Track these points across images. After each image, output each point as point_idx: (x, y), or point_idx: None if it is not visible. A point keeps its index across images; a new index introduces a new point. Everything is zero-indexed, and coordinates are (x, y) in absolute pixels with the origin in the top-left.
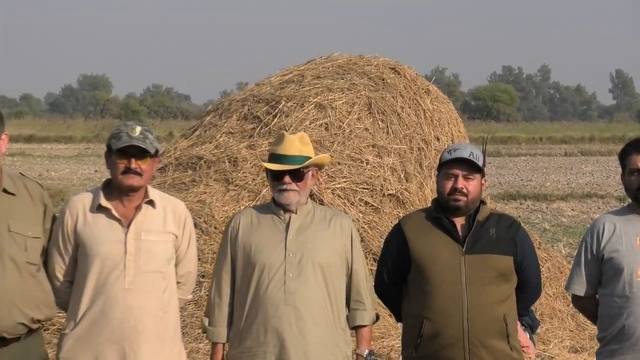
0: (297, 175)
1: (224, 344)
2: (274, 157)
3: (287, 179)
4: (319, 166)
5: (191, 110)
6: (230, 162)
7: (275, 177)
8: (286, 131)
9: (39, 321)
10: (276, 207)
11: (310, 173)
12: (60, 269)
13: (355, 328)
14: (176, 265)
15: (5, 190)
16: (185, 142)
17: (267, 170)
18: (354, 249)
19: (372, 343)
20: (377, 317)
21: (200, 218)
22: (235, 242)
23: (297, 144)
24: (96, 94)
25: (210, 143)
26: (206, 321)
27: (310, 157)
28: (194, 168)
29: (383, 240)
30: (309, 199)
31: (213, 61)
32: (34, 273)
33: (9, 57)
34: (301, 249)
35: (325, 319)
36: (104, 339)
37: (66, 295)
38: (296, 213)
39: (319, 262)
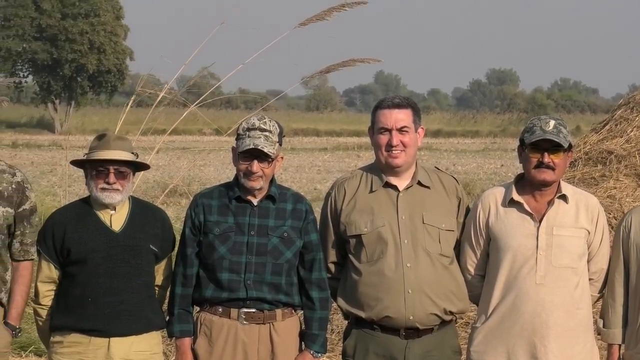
0: None
1: (619, 345)
2: None
3: None
4: None
5: (599, 104)
6: None
7: None
8: None
9: (451, 313)
10: None
11: None
12: (472, 263)
13: None
14: (588, 261)
15: (419, 183)
16: (595, 137)
17: None
18: None
19: None
20: None
21: (609, 214)
22: (627, 241)
23: None
24: (503, 88)
25: (621, 137)
26: (601, 323)
27: None
28: (603, 163)
29: None
30: None
31: (622, 54)
32: (446, 265)
33: (417, 55)
34: None
35: None
36: (515, 333)
37: (477, 289)
38: None
39: None
